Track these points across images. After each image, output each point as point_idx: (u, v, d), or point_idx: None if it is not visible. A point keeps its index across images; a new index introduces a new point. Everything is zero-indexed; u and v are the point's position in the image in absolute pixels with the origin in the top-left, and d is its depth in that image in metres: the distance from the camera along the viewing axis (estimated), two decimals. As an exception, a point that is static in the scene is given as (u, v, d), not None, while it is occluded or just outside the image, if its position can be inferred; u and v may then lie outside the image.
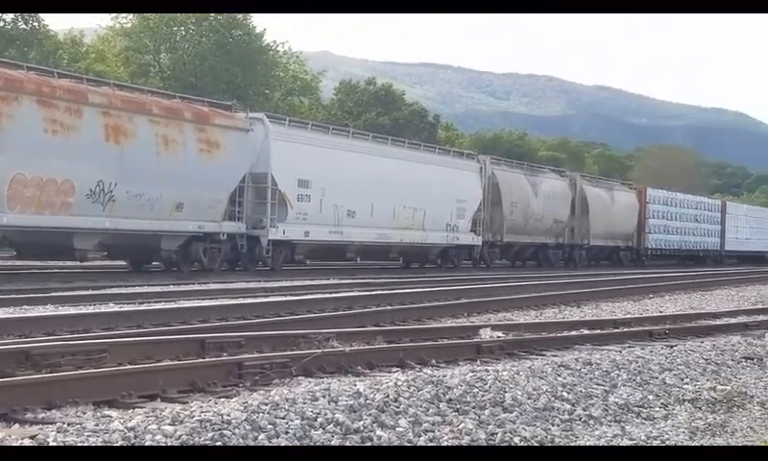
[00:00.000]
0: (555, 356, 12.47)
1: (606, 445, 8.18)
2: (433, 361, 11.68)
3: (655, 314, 21.10)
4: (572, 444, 8.03)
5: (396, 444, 7.30)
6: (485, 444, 7.64)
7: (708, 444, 8.61)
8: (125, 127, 25.62)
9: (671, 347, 13.87)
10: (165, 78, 59.57)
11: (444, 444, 7.51)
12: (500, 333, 14.38)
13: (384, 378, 9.35)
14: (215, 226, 28.57)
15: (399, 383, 8.92)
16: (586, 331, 15.87)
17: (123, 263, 29.73)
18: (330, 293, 22.07)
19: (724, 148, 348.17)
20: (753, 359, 13.58)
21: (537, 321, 18.10)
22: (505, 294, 23.85)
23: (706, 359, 13.04)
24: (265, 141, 30.39)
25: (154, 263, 29.38)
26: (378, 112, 71.44)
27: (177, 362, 10.01)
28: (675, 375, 11.69)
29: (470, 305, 20.49)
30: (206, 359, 10.26)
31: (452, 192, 39.45)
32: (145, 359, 10.13)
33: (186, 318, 15.19)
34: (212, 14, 60.42)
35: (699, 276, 40.91)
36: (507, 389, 9.42)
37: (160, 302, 18.29)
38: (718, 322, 19.46)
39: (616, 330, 16.46)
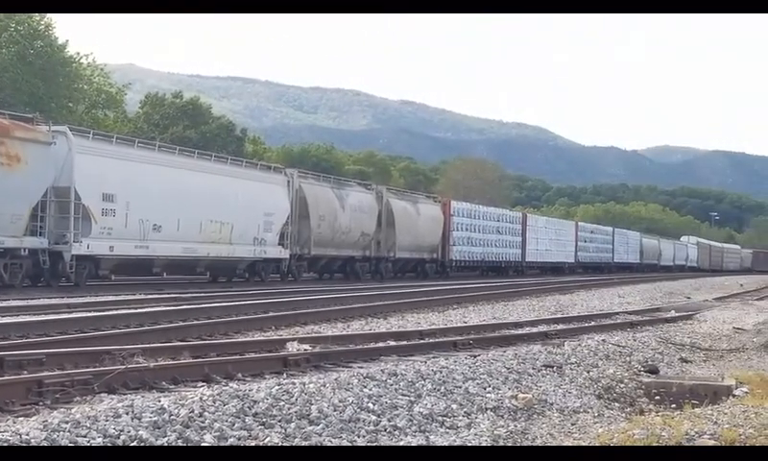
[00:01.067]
0: (361, 368, 12.69)
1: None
2: (239, 375, 11.74)
3: (459, 325, 21.55)
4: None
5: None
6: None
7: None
8: None
9: (474, 357, 14.27)
10: (-36, 91, 57.55)
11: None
12: (307, 346, 14.54)
13: (189, 393, 9.34)
14: (16, 241, 27.78)
15: (205, 398, 8.93)
16: (392, 343, 16.17)
17: None
18: (136, 308, 21.68)
19: (525, 162, 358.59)
20: (552, 367, 14.14)
21: (344, 333, 18.23)
22: (312, 307, 23.93)
23: (508, 368, 13.46)
24: (68, 155, 29.74)
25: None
26: (186, 126, 70.74)
27: (-29, 381, 9.71)
28: (478, 384, 12.04)
29: (278, 319, 20.52)
30: (4, 378, 10.03)
31: (260, 206, 39.37)
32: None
33: (-16, 336, 14.68)
34: (13, 25, 58.91)
35: (502, 287, 41.89)
36: (313, 401, 9.57)
37: (-43, 320, 17.71)
38: (520, 331, 20.11)
39: (422, 342, 16.81)
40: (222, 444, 7.82)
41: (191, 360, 12.42)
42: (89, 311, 20.48)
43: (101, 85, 68.06)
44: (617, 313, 28.47)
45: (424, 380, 11.61)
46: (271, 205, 40.33)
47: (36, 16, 61.34)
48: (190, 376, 11.26)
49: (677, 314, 28.99)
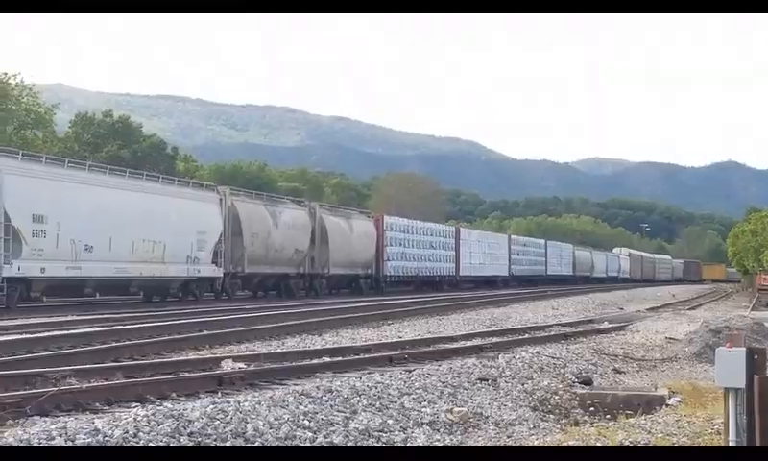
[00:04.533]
0: (296, 385, 12.72)
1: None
2: (174, 394, 11.67)
3: (394, 340, 21.62)
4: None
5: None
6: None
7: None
8: None
9: (409, 371, 14.35)
10: None
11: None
12: (242, 364, 14.56)
13: (123, 414, 9.28)
14: (-56, 264, 27.39)
15: (139, 418, 8.88)
16: (327, 359, 16.25)
17: None
18: (68, 329, 21.43)
19: (458, 176, 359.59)
20: (487, 380, 14.28)
21: (278, 351, 18.22)
22: (247, 325, 23.87)
23: (443, 382, 13.55)
24: (-4, 175, 29.40)
25: None
26: (118, 145, 70.36)
27: None
28: (413, 398, 12.13)
29: (212, 337, 20.46)
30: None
31: (192, 224, 39.15)
32: None
33: None
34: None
35: (436, 301, 42.05)
36: (248, 419, 9.59)
37: None
38: (455, 345, 20.29)
39: (357, 357, 16.89)
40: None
41: (124, 380, 12.34)
42: (21, 333, 20.20)
43: (29, 105, 67.40)
44: (551, 325, 28.70)
45: (360, 396, 11.66)
46: (203, 223, 40.13)
47: None
48: (124, 396, 11.22)
49: (610, 325, 29.34)
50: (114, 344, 18.39)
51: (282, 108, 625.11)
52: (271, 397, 10.86)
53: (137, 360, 16.02)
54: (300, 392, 11.37)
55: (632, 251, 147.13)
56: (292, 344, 20.61)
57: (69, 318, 26.03)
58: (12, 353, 16.16)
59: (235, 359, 15.15)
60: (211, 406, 9.80)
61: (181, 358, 16.56)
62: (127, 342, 18.84)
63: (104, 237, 33.56)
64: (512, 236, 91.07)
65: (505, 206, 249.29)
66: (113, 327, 21.99)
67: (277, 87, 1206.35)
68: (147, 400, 11.20)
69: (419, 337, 22.53)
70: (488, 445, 10.38)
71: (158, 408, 9.60)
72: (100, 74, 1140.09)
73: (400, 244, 60.91)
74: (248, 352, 17.38)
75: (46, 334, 19.74)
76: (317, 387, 11.85)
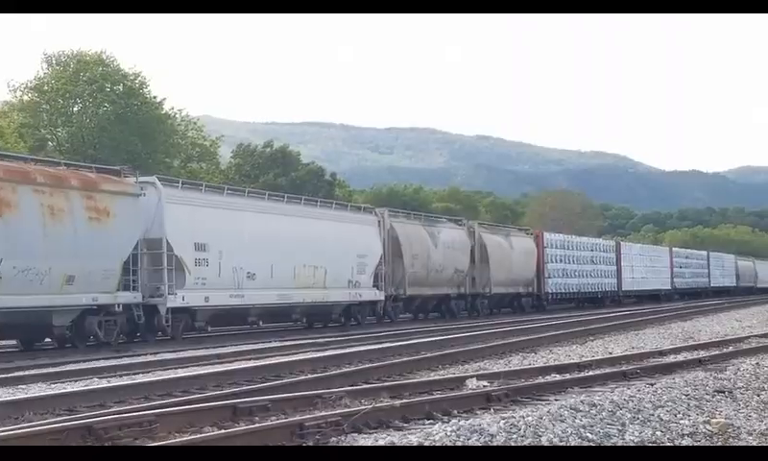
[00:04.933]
0: (557, 400, 13.30)
1: None
2: (455, 412, 12.33)
3: (608, 356, 21.55)
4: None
5: None
6: None
7: None
8: (7, 198, 24.00)
9: (652, 385, 14.54)
10: (63, 151, 58.22)
11: None
12: (485, 382, 15.02)
13: (427, 429, 10.27)
14: (110, 297, 26.94)
15: (445, 433, 9.66)
16: (568, 376, 16.65)
17: (12, 343, 27.92)
18: (288, 356, 22.01)
19: (606, 190, 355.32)
20: (724, 392, 14.29)
21: (511, 368, 18.59)
22: (457, 346, 24.20)
23: (686, 395, 13.75)
24: (158, 205, 29.03)
25: (46, 340, 27.63)
26: (275, 174, 71.02)
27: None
28: (668, 410, 12.21)
29: (434, 360, 20.59)
30: (269, 422, 11.13)
31: (352, 247, 38.37)
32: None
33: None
34: (108, 85, 60.07)
35: (614, 317, 40.11)
36: (539, 433, 10.08)
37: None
38: (671, 359, 20.22)
39: (591, 374, 17.06)
40: None
41: (413, 400, 13.00)
42: (231, 363, 20.75)
43: (195, 139, 69.05)
44: (747, 337, 27.66)
45: (621, 409, 11.86)
46: (363, 246, 39.31)
47: (131, 76, 62.87)
48: (415, 413, 11.88)
49: None
50: (364, 366, 19.05)
51: (425, 128, 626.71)
52: (548, 411, 11.25)
53: (385, 381, 16.22)
54: (569, 406, 11.70)
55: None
56: (516, 362, 20.76)
57: (273, 345, 26.34)
58: (277, 377, 17.08)
59: (478, 378, 15.49)
60: (503, 422, 10.27)
61: (431, 378, 16.77)
62: (361, 365, 19.28)
63: (265, 264, 32.97)
64: (673, 248, 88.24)
65: (657, 219, 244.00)
66: (327, 353, 22.36)
67: (419, 109, 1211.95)
68: (435, 416, 11.78)
69: (629, 352, 22.20)
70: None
71: (460, 424, 10.13)
72: (245, 104, 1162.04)
73: (561, 260, 59.22)
74: (485, 371, 17.56)
75: (277, 361, 20.12)
76: (581, 402, 12.15)
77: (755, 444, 10.57)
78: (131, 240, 27.78)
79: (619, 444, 9.98)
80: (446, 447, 9.07)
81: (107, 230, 26.76)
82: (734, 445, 10.19)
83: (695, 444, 10.40)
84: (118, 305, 27.24)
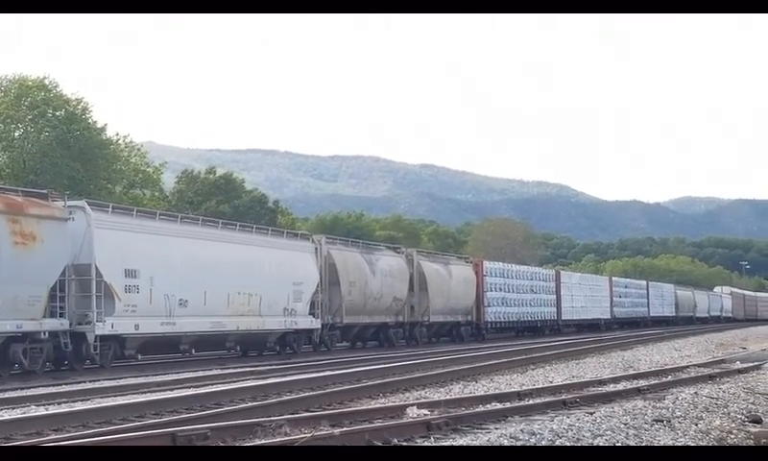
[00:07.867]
0: (497, 429, 13.41)
1: None
2: (395, 441, 12.45)
3: (549, 385, 21.61)
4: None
5: None
6: None
7: None
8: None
9: (591, 414, 14.73)
10: (4, 176, 57.27)
11: None
12: (425, 411, 15.03)
13: None
14: (35, 324, 26.24)
15: None
16: (509, 404, 16.82)
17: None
18: (232, 383, 22.11)
19: (548, 219, 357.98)
20: (662, 421, 14.41)
21: (451, 397, 18.46)
22: (397, 374, 24.31)
23: (624, 423, 13.72)
24: (87, 230, 28.35)
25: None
26: (218, 201, 70.56)
27: None
28: (606, 440, 12.38)
29: (374, 388, 20.57)
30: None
31: (288, 274, 37.80)
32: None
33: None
34: (50, 110, 59.41)
35: (554, 346, 39.77)
36: None
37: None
38: (608, 388, 20.45)
39: (530, 403, 17.21)
40: None
41: (355, 428, 13.20)
42: (168, 391, 20.58)
43: (138, 165, 68.40)
44: (687, 367, 27.87)
45: (561, 438, 12.00)
46: (299, 273, 38.76)
47: (73, 101, 62.20)
48: (355, 442, 11.90)
49: (744, 365, 27.94)
50: (291, 396, 18.66)
51: (369, 157, 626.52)
52: (488, 440, 11.56)
53: (338, 409, 16.45)
54: (509, 435, 11.94)
55: (733, 289, 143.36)
56: (457, 390, 20.56)
57: (214, 372, 26.25)
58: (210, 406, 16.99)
59: (419, 406, 15.43)
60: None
61: (372, 406, 16.76)
62: (302, 394, 19.12)
63: (198, 290, 32.36)
64: (613, 278, 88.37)
65: (598, 249, 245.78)
66: (268, 381, 22.20)
67: (363, 137, 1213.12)
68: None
69: (569, 381, 22.34)
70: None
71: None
72: (187, 130, 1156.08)
73: (500, 289, 58.83)
74: (425, 400, 17.49)
75: (217, 389, 19.87)
76: (521, 430, 12.29)
77: None
78: (58, 266, 27.11)
79: None
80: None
81: (33, 255, 26.10)
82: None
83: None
84: (44, 333, 26.56)
